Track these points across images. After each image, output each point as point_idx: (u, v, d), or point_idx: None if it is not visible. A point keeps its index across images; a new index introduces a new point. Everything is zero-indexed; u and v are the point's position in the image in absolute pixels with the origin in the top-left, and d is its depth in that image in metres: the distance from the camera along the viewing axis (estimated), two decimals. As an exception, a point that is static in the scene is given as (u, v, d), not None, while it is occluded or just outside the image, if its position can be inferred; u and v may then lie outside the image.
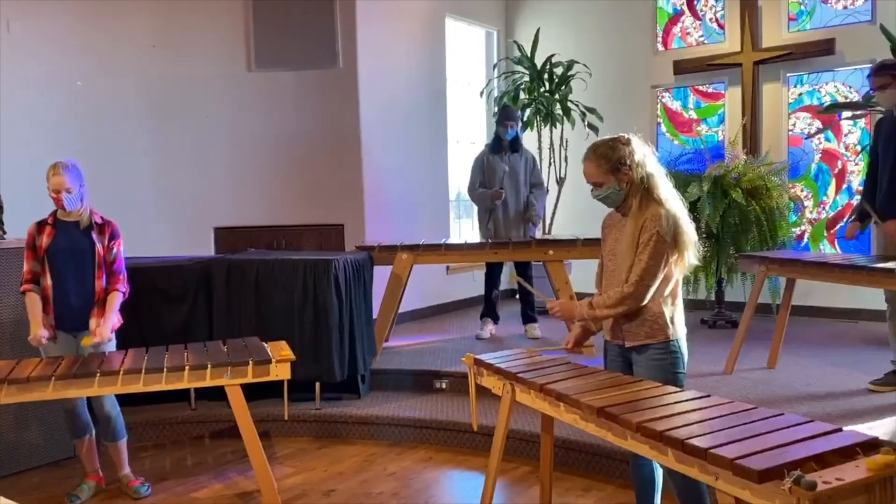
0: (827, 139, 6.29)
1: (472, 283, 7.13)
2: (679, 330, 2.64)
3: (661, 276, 2.57)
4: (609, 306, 2.61)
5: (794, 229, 6.21)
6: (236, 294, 4.50)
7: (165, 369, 3.11)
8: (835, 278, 4.01)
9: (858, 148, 6.08)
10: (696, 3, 6.88)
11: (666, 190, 2.64)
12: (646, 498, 2.82)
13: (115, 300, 3.48)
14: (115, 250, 3.52)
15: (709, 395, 2.25)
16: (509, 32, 7.82)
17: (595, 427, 2.27)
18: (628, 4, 7.12)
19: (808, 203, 6.39)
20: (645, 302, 2.59)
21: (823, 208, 6.34)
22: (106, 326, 3.41)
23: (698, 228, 5.57)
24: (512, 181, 5.57)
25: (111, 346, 3.50)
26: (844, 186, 6.20)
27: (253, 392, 3.78)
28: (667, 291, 2.61)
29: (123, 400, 3.58)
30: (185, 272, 4.57)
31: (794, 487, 1.60)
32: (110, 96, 5.78)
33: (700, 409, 2.14)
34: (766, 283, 4.83)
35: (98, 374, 3.04)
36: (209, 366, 3.13)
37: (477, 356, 2.95)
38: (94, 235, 3.49)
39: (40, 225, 3.49)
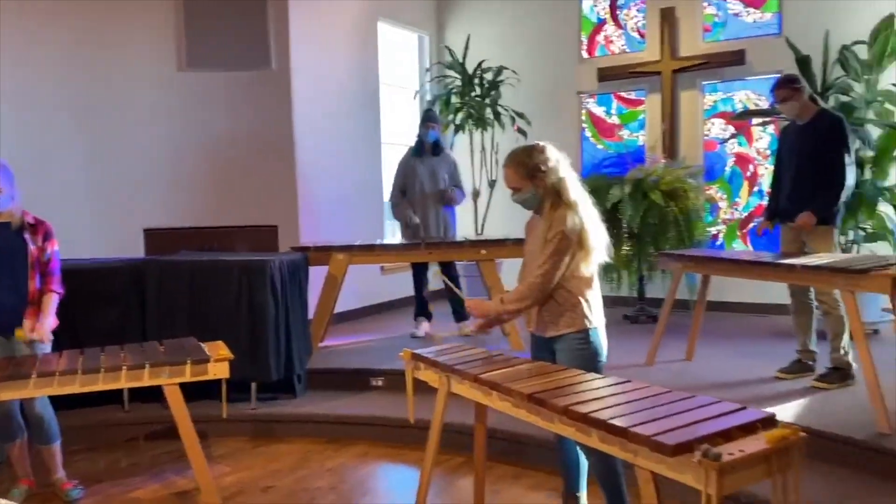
0: (740, 144, 6.68)
1: (407, 282, 7.24)
2: (596, 320, 2.85)
3: (561, 271, 2.77)
4: (516, 301, 2.82)
5: (709, 229, 6.58)
6: (170, 296, 4.49)
7: (102, 370, 3.11)
8: (745, 274, 4.30)
9: (768, 152, 6.48)
10: (618, 12, 7.19)
11: (576, 193, 2.84)
12: (572, 482, 3.00)
13: (52, 301, 3.44)
14: (49, 251, 3.48)
15: (629, 381, 2.44)
16: (441, 37, 7.98)
17: (526, 413, 2.43)
18: (555, 13, 7.38)
19: (723, 204, 6.77)
20: (546, 294, 2.79)
21: (737, 209, 6.72)
22: (44, 327, 3.38)
23: (620, 229, 5.94)
24: (432, 184, 5.71)
25: (46, 347, 3.46)
26: (756, 189, 6.59)
27: (187, 394, 3.80)
28: (583, 285, 2.81)
29: (55, 403, 3.55)
30: (118, 274, 4.54)
31: (703, 459, 1.78)
32: (35, 95, 5.65)
33: (620, 393, 2.32)
34: (683, 279, 5.12)
35: (34, 376, 3.02)
36: (147, 366, 3.14)
37: (414, 351, 3.07)
38: (27, 236, 3.45)
39: None
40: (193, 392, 3.71)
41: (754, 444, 1.87)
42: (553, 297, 2.82)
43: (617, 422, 2.03)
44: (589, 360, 2.82)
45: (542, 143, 2.94)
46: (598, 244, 2.84)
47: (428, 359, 2.95)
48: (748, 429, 1.97)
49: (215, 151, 6.15)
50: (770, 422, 2.00)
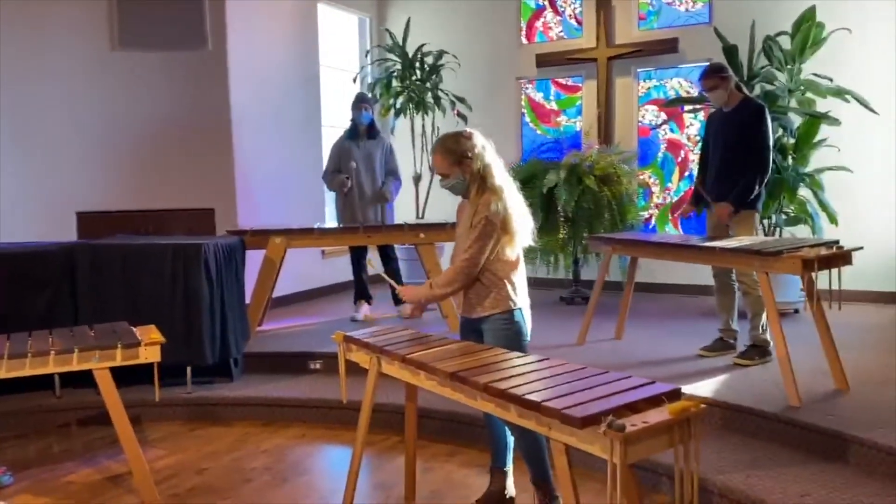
0: (672, 130, 6.88)
1: (348, 266, 7.26)
2: (520, 301, 2.95)
3: (486, 255, 2.86)
4: (444, 285, 2.92)
5: (642, 213, 6.77)
6: (102, 280, 4.44)
7: (29, 354, 3.09)
8: (670, 256, 4.48)
9: (698, 138, 6.69)
10: (556, -1, 7.30)
11: (501, 179, 2.93)
12: (499, 456, 3.11)
13: None
14: None
15: (547, 359, 2.55)
16: (381, 20, 7.97)
17: (450, 391, 2.51)
18: (494, -2, 7.45)
19: (655, 189, 6.97)
20: (473, 277, 2.89)
21: (668, 194, 6.94)
22: None
23: (556, 213, 6.07)
24: (367, 166, 5.72)
25: None
26: (687, 174, 6.81)
27: (120, 378, 3.78)
28: (508, 267, 2.91)
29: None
30: (48, 258, 4.45)
31: (608, 430, 1.89)
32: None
33: (538, 370, 2.43)
34: (615, 262, 5.27)
35: (-44, 362, 2.98)
36: (76, 350, 3.13)
37: (346, 333, 3.12)
38: None
39: None
40: (127, 376, 3.72)
41: (658, 415, 1.99)
42: (479, 280, 2.91)
43: (531, 397, 2.13)
44: (513, 340, 2.92)
45: (468, 130, 3.02)
46: (523, 228, 2.94)
47: (359, 340, 3.01)
48: (654, 401, 2.09)
49: (150, 133, 6.06)
50: (674, 395, 2.12)
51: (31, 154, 5.83)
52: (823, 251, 3.60)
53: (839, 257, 3.63)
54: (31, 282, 4.39)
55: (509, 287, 2.92)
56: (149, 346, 3.27)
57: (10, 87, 5.72)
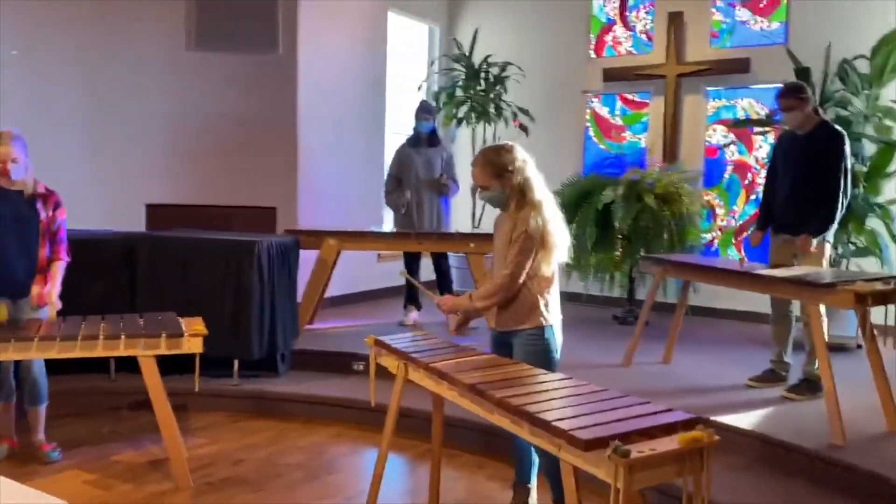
0: (740, 152, 6.69)
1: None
2: (552, 317, 2.93)
3: (527, 269, 2.85)
4: (485, 297, 2.91)
5: (705, 235, 6.60)
6: (159, 271, 4.63)
7: (80, 338, 3.25)
8: (720, 281, 4.35)
9: (766, 161, 6.47)
10: (627, 14, 7.21)
11: (541, 193, 2.92)
12: (523, 472, 3.10)
13: (60, 269, 3.65)
14: (58, 220, 3.67)
15: (570, 378, 2.52)
16: (451, 30, 8.04)
17: (469, 403, 2.52)
18: (565, 12, 7.41)
19: (720, 211, 6.79)
20: (513, 292, 2.88)
21: (733, 217, 6.74)
22: (53, 292, 3.56)
23: (612, 230, 5.98)
24: (427, 174, 5.79)
25: (53, 312, 3.61)
26: (753, 197, 6.60)
27: (174, 366, 3.94)
28: (543, 283, 2.89)
29: (47, 367, 3.69)
30: (109, 246, 4.67)
31: (613, 455, 1.87)
32: (46, 68, 5.81)
33: (558, 388, 2.41)
34: (673, 284, 5.14)
35: (12, 340, 3.16)
36: (123, 336, 3.27)
37: (378, 337, 3.17)
38: (39, 205, 3.62)
39: None
40: (179, 365, 3.87)
41: (666, 444, 1.95)
42: (514, 295, 2.90)
43: (543, 415, 2.12)
44: (543, 356, 2.90)
45: (510, 143, 3.02)
46: (560, 244, 2.92)
47: (389, 346, 3.04)
48: (668, 429, 2.05)
49: (219, 131, 6.27)
50: (690, 424, 2.07)
51: (106, 146, 6.12)
52: (879, 286, 3.44)
53: (896, 293, 3.46)
54: (91, 268, 4.55)
55: (542, 303, 2.91)
56: (192, 337, 3.39)
57: (89, 80, 6.03)
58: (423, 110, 5.86)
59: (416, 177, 5.75)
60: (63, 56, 5.90)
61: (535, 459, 3.06)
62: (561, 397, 2.32)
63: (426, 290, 3.35)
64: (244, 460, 3.83)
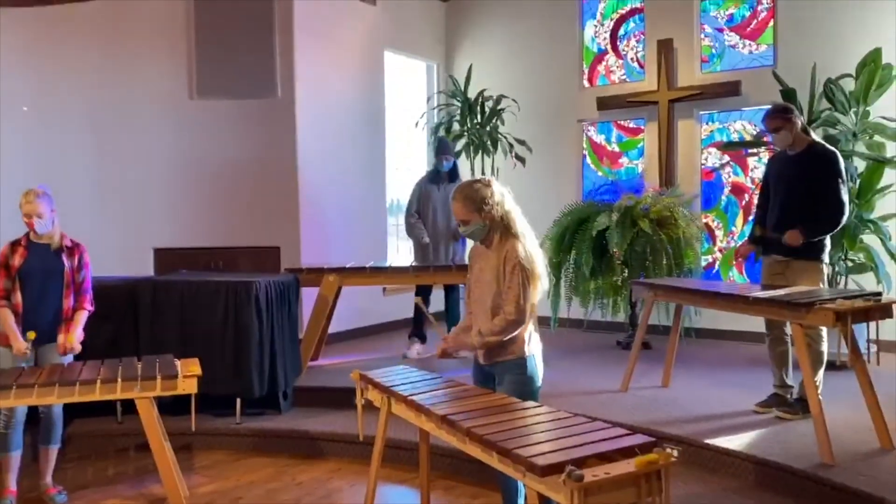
0: (735, 173, 6.74)
1: (408, 303, 7.43)
2: (533, 348, 2.98)
3: (531, 299, 2.90)
4: (497, 333, 2.91)
5: (705, 257, 6.63)
6: (161, 314, 4.76)
7: (78, 383, 3.36)
8: (708, 304, 4.38)
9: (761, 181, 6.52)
10: (619, 43, 7.33)
11: (522, 226, 3.00)
12: (509, 500, 3.13)
13: (82, 317, 3.87)
14: (83, 271, 3.90)
15: (541, 406, 2.58)
16: (449, 66, 8.22)
17: (445, 433, 2.59)
18: (557, 44, 7.56)
19: (719, 233, 6.82)
20: (522, 324, 2.90)
21: (732, 238, 6.77)
22: (75, 337, 3.78)
23: (610, 256, 6.03)
24: (444, 208, 5.94)
25: (68, 358, 3.81)
26: (751, 218, 6.62)
27: (184, 407, 4.03)
28: None
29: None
30: (113, 292, 4.81)
31: (567, 479, 1.93)
32: (51, 115, 6.05)
33: (529, 416, 2.47)
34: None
35: (14, 387, 3.28)
36: (119, 380, 3.39)
37: (363, 372, 3.25)
38: (64, 257, 3.82)
39: (13, 245, 3.82)
40: (185, 405, 3.95)
41: (622, 467, 2.01)
42: None
43: (506, 444, 2.18)
44: (525, 386, 2.95)
45: (487, 178, 3.11)
46: (543, 274, 2.99)
47: (372, 380, 3.13)
48: (627, 452, 2.10)
49: (222, 175, 6.45)
50: (647, 447, 2.12)
51: (114, 193, 6.32)
52: (859, 303, 3.46)
53: (877, 310, 3.48)
54: (98, 313, 4.72)
55: (525, 334, 2.96)
56: (187, 378, 3.49)
57: (97, 132, 6.26)
58: (443, 151, 6.05)
59: (434, 212, 5.95)
60: (71, 108, 6.15)
61: (521, 488, 3.10)
62: (528, 425, 2.38)
63: (435, 323, 3.42)
64: (242, 497, 3.90)
